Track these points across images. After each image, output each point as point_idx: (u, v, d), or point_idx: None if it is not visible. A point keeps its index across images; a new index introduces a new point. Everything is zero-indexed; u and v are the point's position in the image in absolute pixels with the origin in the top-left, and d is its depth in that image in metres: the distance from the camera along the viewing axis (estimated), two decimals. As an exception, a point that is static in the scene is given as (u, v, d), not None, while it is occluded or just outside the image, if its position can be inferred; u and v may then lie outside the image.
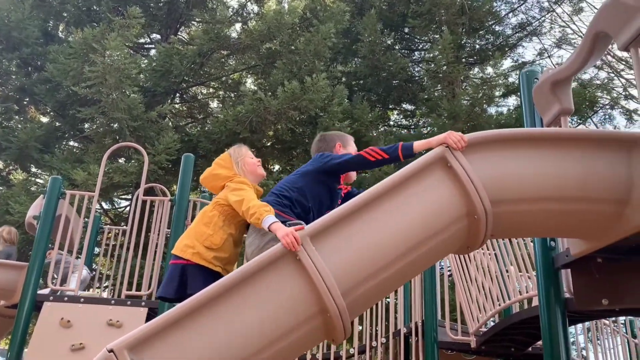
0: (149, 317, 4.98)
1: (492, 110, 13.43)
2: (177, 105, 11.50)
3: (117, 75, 8.61)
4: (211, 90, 12.83)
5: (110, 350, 1.61)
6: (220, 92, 12.65)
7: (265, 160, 11.68)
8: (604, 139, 2.04)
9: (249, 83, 12.75)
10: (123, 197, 11.77)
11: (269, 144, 10.31)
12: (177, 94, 11.55)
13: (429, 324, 5.09)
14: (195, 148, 10.19)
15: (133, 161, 9.00)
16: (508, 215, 2.01)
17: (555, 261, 2.65)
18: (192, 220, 5.10)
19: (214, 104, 12.72)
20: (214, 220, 2.45)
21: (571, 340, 5.68)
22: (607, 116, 11.93)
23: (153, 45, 13.36)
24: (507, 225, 2.09)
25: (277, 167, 11.90)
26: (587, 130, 2.22)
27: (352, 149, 2.82)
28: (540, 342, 4.93)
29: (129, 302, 4.90)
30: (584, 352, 8.07)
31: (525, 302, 4.45)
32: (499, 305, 4.60)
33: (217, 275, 2.27)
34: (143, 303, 4.92)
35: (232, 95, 11.62)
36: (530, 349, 5.10)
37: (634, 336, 6.04)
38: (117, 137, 9.06)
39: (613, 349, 6.02)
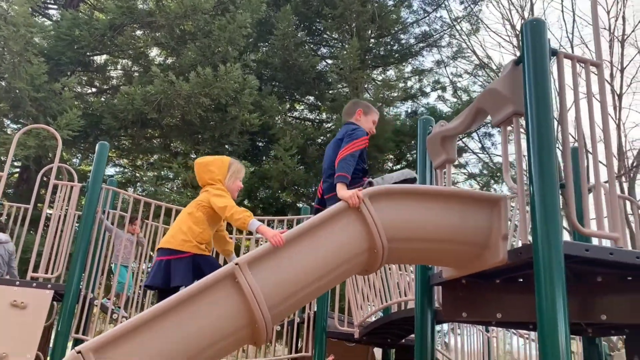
0: (54, 300, 5.11)
1: (391, 111, 14.42)
2: (81, 76, 11.09)
3: (22, 43, 8.24)
4: (119, 65, 12.48)
5: (79, 352, 1.95)
6: (129, 67, 12.36)
7: (169, 140, 11.68)
8: (474, 197, 2.69)
9: (158, 59, 12.57)
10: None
11: (173, 124, 10.33)
12: (83, 64, 11.14)
13: (320, 315, 5.70)
14: (98, 123, 10.00)
15: (32, 134, 8.69)
16: (399, 250, 2.59)
17: (430, 279, 3.32)
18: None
19: (121, 79, 12.39)
20: (202, 220, 2.98)
21: (437, 329, 6.63)
22: (486, 134, 13.33)
23: (55, 6, 12.68)
24: (398, 256, 2.69)
25: (181, 148, 11.95)
26: (462, 190, 2.85)
27: (371, 117, 3.25)
28: (412, 336, 5.77)
29: (34, 284, 4.97)
30: (446, 340, 9.18)
31: (403, 304, 5.17)
32: (381, 304, 5.31)
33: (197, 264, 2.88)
34: (49, 286, 5.02)
35: (141, 71, 11.42)
36: (403, 340, 5.92)
37: (487, 330, 7.15)
38: (16, 106, 8.66)
39: (469, 337, 7.09)
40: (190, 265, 2.89)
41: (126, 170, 12.88)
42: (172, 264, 2.91)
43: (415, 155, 13.21)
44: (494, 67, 15.67)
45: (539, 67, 2.55)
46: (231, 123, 10.36)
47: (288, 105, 13.76)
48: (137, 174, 12.45)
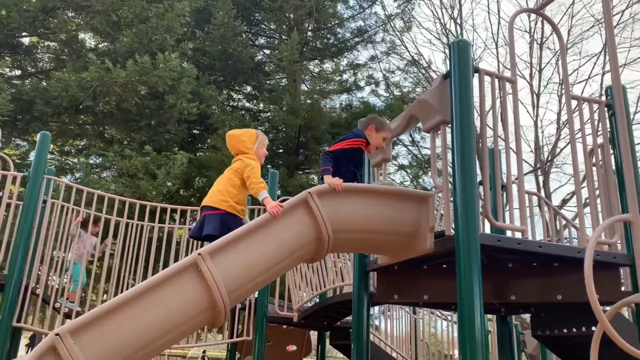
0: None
1: (327, 104, 14.80)
2: (8, 58, 10.63)
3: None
4: (49, 48, 12.03)
5: (57, 334, 2.15)
6: (60, 50, 11.95)
7: (103, 127, 11.47)
8: (406, 195, 3.08)
9: (90, 42, 12.23)
10: None
11: (108, 111, 10.15)
12: (10, 46, 10.68)
13: (260, 301, 5.99)
14: (30, 109, 9.70)
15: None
16: (343, 240, 2.93)
17: (367, 265, 3.70)
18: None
19: (51, 62, 11.96)
20: (238, 184, 3.43)
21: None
22: (416, 127, 14.00)
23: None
24: (341, 245, 3.03)
25: (116, 135, 11.75)
26: (396, 188, 3.21)
27: (382, 134, 3.47)
28: (346, 318, 6.20)
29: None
30: (377, 322, 9.73)
31: (338, 289, 5.56)
32: (318, 290, 5.68)
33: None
34: (-11, 277, 5.00)
35: (73, 56, 11.10)
36: (338, 323, 6.33)
37: (414, 312, 7.72)
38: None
39: (398, 320, 7.65)
40: (221, 221, 3.27)
41: (54, 155, 12.50)
42: (207, 217, 3.33)
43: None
44: (424, 64, 16.39)
45: (463, 82, 2.96)
46: (169, 112, 10.35)
47: (226, 95, 13.82)
48: (69, 161, 12.13)
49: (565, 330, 3.62)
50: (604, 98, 3.50)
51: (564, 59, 3.36)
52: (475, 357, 2.54)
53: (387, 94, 15.09)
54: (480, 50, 17.52)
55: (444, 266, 3.41)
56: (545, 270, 3.25)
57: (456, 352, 8.19)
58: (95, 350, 2.21)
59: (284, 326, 7.23)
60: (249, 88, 14.78)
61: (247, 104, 15.00)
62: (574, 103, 3.31)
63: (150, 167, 9.24)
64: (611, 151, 3.35)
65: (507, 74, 3.47)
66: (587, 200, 4.04)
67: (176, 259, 6.24)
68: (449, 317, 8.03)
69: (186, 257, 2.52)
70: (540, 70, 16.32)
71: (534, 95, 16.37)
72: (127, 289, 5.09)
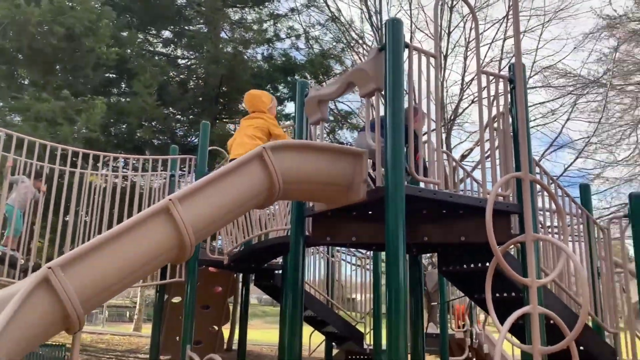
0: None
1: (248, 54, 14.80)
2: None
3: None
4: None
5: (49, 267, 2.45)
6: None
7: (15, 68, 10.86)
8: (344, 151, 3.57)
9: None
10: None
11: (20, 56, 9.65)
12: None
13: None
14: None
15: None
16: (290, 189, 3.38)
17: (304, 212, 4.20)
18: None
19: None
20: (264, 139, 4.30)
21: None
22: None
23: None
24: (287, 195, 3.49)
25: (29, 78, 11.15)
26: (336, 145, 3.68)
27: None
28: (274, 261, 6.74)
29: None
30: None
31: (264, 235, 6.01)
32: (248, 235, 6.13)
33: None
34: None
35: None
36: (265, 265, 6.86)
37: (332, 255, 8.43)
38: None
39: (316, 264, 8.34)
40: None
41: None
42: None
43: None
44: (344, 21, 16.74)
45: (395, 56, 3.44)
46: (86, 55, 10.02)
47: (142, 39, 13.43)
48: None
49: (465, 266, 4.37)
50: (506, 72, 4.16)
51: (477, 42, 3.94)
52: (399, 290, 3.12)
53: (307, 48, 15.37)
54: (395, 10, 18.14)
55: (370, 213, 3.97)
56: (452, 216, 3.91)
57: (359, 295, 9.07)
58: (82, 281, 2.53)
59: (210, 268, 7.66)
60: (166, 33, 14.43)
61: (166, 50, 14.67)
62: (483, 77, 3.93)
63: (68, 112, 9.03)
64: (510, 119, 4.03)
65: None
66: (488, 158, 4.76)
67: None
68: (358, 262, 8.83)
69: (159, 202, 2.86)
70: (448, 34, 17.29)
71: (442, 57, 17.37)
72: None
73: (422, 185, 4.03)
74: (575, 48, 20.75)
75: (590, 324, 4.88)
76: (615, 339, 4.80)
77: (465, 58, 17.63)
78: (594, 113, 20.57)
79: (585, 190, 6.14)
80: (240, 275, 8.52)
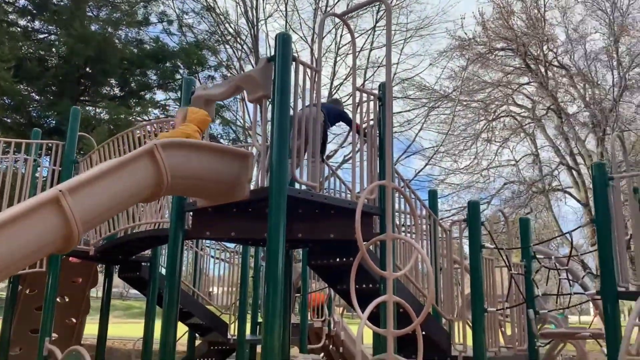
0: None
1: (116, 35, 14.09)
2: None
3: None
4: None
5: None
6: None
7: None
8: (231, 151, 3.80)
9: None
10: None
11: None
12: None
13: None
14: None
15: None
16: (177, 184, 3.52)
17: (184, 207, 4.33)
18: None
19: None
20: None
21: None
22: (210, 76, 14.42)
23: None
24: (174, 190, 3.63)
25: None
26: (224, 146, 3.91)
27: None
28: (143, 253, 6.70)
29: None
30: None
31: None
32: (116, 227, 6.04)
33: None
34: None
35: None
36: (133, 257, 6.79)
37: (201, 249, 8.52)
38: None
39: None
40: None
41: None
42: None
43: (139, 82, 13.45)
44: (219, 12, 16.65)
45: (284, 68, 3.76)
46: None
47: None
48: None
49: (331, 260, 4.83)
50: (376, 91, 4.69)
51: (354, 64, 4.40)
52: (277, 282, 3.44)
53: (180, 35, 15.06)
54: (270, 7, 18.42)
55: (250, 210, 4.24)
56: (324, 216, 4.32)
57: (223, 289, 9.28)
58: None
59: (71, 259, 7.33)
60: (22, 1, 13.20)
61: (22, 22, 13.41)
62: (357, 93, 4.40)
63: None
64: (377, 131, 4.55)
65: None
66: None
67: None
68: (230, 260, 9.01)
69: (47, 192, 2.86)
70: (321, 39, 18.02)
71: (314, 60, 18.11)
72: None
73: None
74: (430, 64, 22.75)
75: (431, 312, 5.64)
76: (450, 325, 5.61)
77: (335, 63, 18.54)
78: (443, 124, 22.86)
79: (433, 195, 7.02)
80: (103, 267, 8.25)
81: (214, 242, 8.78)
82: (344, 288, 5.23)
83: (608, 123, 24.59)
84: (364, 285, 4.76)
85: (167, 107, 13.37)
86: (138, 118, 13.30)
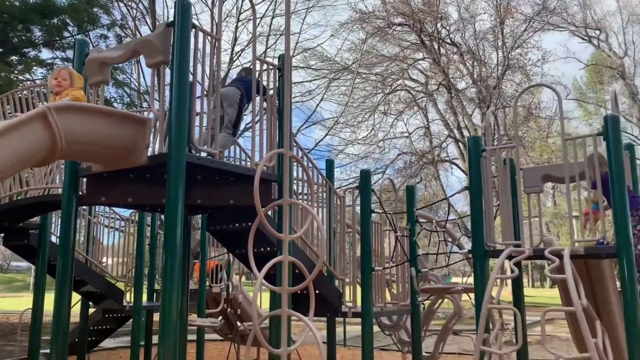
0: None
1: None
2: None
3: None
4: None
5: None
6: None
7: None
8: (128, 116, 3.78)
9: None
10: None
11: None
12: None
13: None
14: None
15: None
16: (71, 150, 3.46)
17: (78, 172, 4.24)
18: None
19: None
20: None
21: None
22: (103, 36, 13.62)
23: None
24: (70, 155, 3.56)
25: None
26: (121, 110, 3.86)
27: None
28: (32, 219, 6.42)
29: None
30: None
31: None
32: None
33: None
34: None
35: None
36: (20, 224, 6.48)
37: (94, 217, 8.26)
38: None
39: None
40: None
41: None
42: None
43: (21, 38, 12.39)
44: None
45: (183, 33, 3.77)
46: None
47: None
48: None
49: (230, 226, 4.98)
50: (276, 61, 4.83)
51: (254, 30, 4.49)
52: (175, 249, 3.53)
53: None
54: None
55: (147, 176, 4.25)
56: (224, 182, 4.44)
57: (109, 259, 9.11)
58: None
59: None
60: None
61: None
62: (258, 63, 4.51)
63: None
64: (277, 101, 4.71)
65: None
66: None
67: None
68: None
69: None
70: (221, 3, 17.65)
71: (214, 24, 17.67)
72: None
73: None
74: (332, 36, 23.12)
75: (325, 273, 6.01)
76: (342, 285, 6.02)
77: (236, 29, 18.26)
78: (343, 96, 23.45)
79: (330, 164, 7.36)
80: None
81: (107, 210, 8.54)
82: (242, 252, 5.42)
83: (492, 99, 26.58)
84: (262, 249, 4.97)
85: (55, 67, 12.47)
86: (20, 77, 12.34)
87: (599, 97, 39.75)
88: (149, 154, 3.82)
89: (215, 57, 4.12)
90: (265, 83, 4.65)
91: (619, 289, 4.67)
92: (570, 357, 4.41)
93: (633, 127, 38.41)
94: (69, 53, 12.88)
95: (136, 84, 16.25)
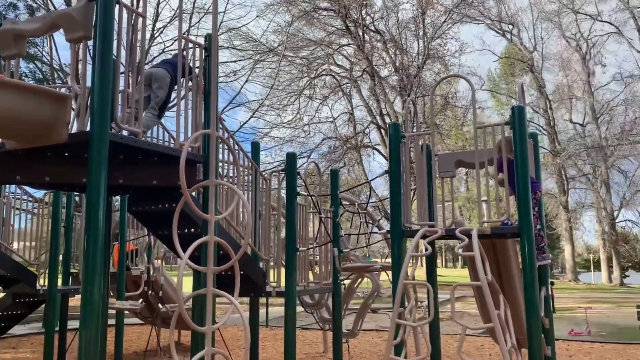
0: None
1: None
2: None
3: None
4: None
5: None
6: None
7: None
8: (47, 92, 3.63)
9: None
10: None
11: None
12: None
13: None
14: None
15: None
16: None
17: (-10, 149, 4.03)
18: None
19: None
20: None
21: None
22: (12, 4, 12.70)
23: None
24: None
25: None
26: (38, 86, 3.69)
27: None
28: None
29: None
30: None
31: None
32: None
33: None
34: None
35: None
36: None
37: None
38: None
39: None
40: None
41: None
42: None
43: None
44: None
45: (107, 9, 3.67)
46: None
47: None
48: None
49: (153, 207, 4.92)
50: (202, 41, 4.79)
51: (180, 8, 4.44)
52: (98, 230, 3.47)
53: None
54: None
55: (66, 154, 4.12)
56: (147, 162, 4.39)
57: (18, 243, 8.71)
58: None
59: None
60: None
61: None
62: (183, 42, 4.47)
63: None
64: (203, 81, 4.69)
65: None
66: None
67: None
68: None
69: None
70: None
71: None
72: None
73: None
74: (257, 16, 22.92)
75: (250, 253, 6.09)
76: (266, 266, 6.13)
77: (158, 5, 17.64)
78: (268, 78, 23.35)
79: (256, 147, 7.40)
80: None
81: (18, 191, 8.11)
82: (165, 233, 5.38)
83: (412, 88, 27.51)
84: (185, 230, 4.97)
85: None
86: None
87: (510, 88, 42.25)
88: (69, 131, 3.71)
89: (140, 35, 4.04)
90: (190, 63, 4.62)
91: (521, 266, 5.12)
92: (475, 327, 4.80)
93: (540, 118, 41.25)
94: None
95: (48, 58, 15.33)
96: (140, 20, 4.07)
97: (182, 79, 4.57)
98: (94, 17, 3.68)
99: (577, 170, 37.89)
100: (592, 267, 56.45)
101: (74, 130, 4.00)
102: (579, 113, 41.30)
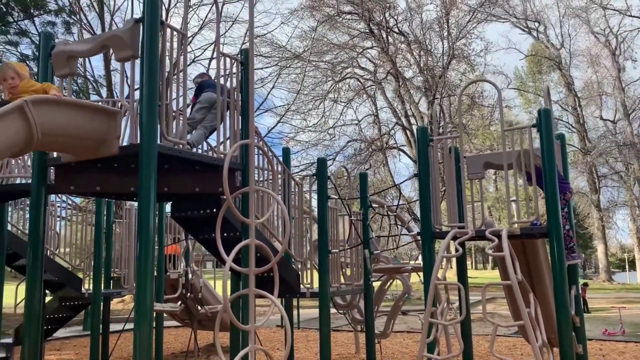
0: None
1: None
2: None
3: None
4: None
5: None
6: None
7: None
8: (99, 109, 3.93)
9: None
10: None
11: None
12: None
13: None
14: None
15: None
16: (47, 141, 3.61)
17: (47, 162, 4.35)
18: None
19: None
20: None
21: None
22: (50, 22, 13.26)
23: None
24: (45, 146, 3.70)
25: None
26: (93, 103, 3.98)
27: None
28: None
29: None
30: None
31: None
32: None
33: None
34: None
35: None
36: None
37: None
38: None
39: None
40: None
41: None
42: None
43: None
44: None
45: (153, 29, 3.95)
46: None
47: None
48: None
49: (195, 212, 5.20)
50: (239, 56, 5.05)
51: (218, 28, 4.69)
52: (149, 235, 3.73)
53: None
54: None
55: (115, 165, 4.41)
56: (189, 171, 4.65)
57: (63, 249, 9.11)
58: None
59: None
60: None
61: None
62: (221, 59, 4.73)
63: None
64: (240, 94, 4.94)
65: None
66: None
67: None
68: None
69: None
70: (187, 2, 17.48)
71: (163, 8, 17.50)
72: None
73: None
74: (282, 23, 23.26)
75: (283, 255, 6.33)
76: (300, 267, 6.36)
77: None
78: (293, 83, 23.68)
79: (286, 152, 7.64)
80: None
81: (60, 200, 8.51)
82: (206, 237, 5.64)
83: (438, 88, 27.48)
84: (224, 234, 5.22)
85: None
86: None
87: (537, 86, 41.71)
88: (119, 144, 3.99)
89: (182, 52, 4.31)
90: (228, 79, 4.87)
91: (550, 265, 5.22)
92: (506, 324, 4.94)
93: (569, 115, 40.63)
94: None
95: (82, 70, 15.91)
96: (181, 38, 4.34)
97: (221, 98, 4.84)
98: (140, 37, 3.96)
99: (608, 168, 37.21)
100: (627, 266, 55.22)
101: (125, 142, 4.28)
102: (610, 110, 40.58)
